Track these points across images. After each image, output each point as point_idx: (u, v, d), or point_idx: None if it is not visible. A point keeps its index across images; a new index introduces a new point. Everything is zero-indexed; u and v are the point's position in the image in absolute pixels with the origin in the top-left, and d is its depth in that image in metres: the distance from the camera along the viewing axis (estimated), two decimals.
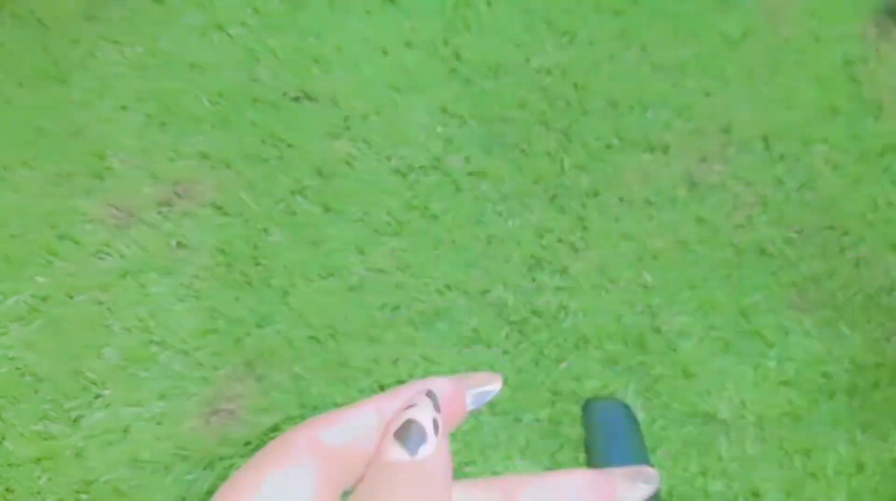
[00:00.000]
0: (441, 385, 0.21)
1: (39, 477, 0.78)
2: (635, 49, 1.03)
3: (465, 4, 1.05)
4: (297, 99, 0.99)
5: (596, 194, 0.94)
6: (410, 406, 0.19)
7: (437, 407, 0.19)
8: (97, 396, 0.82)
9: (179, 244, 0.90)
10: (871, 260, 0.91)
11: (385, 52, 1.02)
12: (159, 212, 0.91)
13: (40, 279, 0.87)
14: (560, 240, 0.91)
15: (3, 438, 0.80)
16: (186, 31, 1.03)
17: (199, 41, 1.02)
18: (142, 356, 0.84)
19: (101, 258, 0.89)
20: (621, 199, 0.94)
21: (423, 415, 0.18)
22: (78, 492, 0.78)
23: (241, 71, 1.00)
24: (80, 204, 0.91)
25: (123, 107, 0.98)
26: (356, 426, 0.19)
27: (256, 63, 1.01)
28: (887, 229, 0.93)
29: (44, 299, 0.86)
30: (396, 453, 0.18)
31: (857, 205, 0.94)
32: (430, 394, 0.19)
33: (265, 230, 0.91)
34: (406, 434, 0.18)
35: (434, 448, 0.18)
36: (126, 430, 0.80)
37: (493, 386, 0.21)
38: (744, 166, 0.96)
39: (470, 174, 0.95)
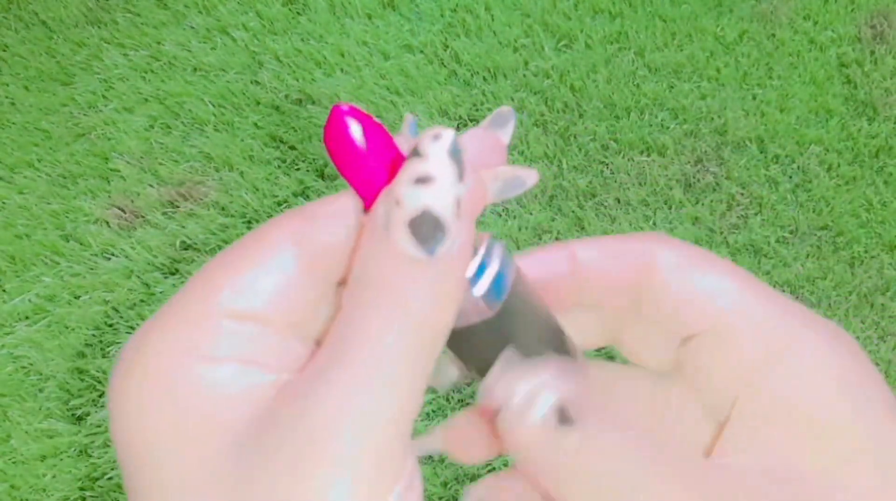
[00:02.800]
0: (463, 142, 0.14)
1: (44, 475, 0.79)
2: (631, 52, 1.04)
3: (465, 9, 1.07)
4: (299, 101, 1.00)
5: (593, 195, 0.95)
6: (424, 178, 0.13)
7: (461, 173, 0.13)
8: (101, 394, 0.83)
9: (184, 245, 0.91)
10: (866, 260, 0.92)
11: (385, 56, 1.03)
12: (164, 213, 0.92)
13: (46, 279, 0.88)
14: (558, 241, 0.92)
15: (9, 436, 0.80)
16: (190, 34, 1.04)
17: (202, 44, 1.03)
18: None
19: (106, 258, 0.90)
20: (618, 201, 0.95)
21: (442, 197, 0.13)
22: (82, 489, 0.78)
23: (243, 74, 1.01)
24: (85, 205, 0.92)
25: (128, 110, 0.99)
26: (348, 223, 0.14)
27: (259, 66, 1.02)
28: (881, 229, 0.94)
29: (49, 299, 0.87)
30: (407, 245, 0.13)
31: (852, 206, 0.95)
32: (453, 153, 0.13)
33: None
34: (421, 226, 0.13)
35: (455, 243, 0.13)
36: None
37: (527, 175, 0.15)
38: (738, 167, 0.97)
39: None
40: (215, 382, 0.14)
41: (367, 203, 0.14)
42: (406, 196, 0.13)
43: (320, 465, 0.13)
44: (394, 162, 0.14)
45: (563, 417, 0.14)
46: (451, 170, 0.13)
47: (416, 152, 0.13)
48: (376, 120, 0.14)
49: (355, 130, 0.13)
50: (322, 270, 0.15)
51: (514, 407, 0.14)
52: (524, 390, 0.14)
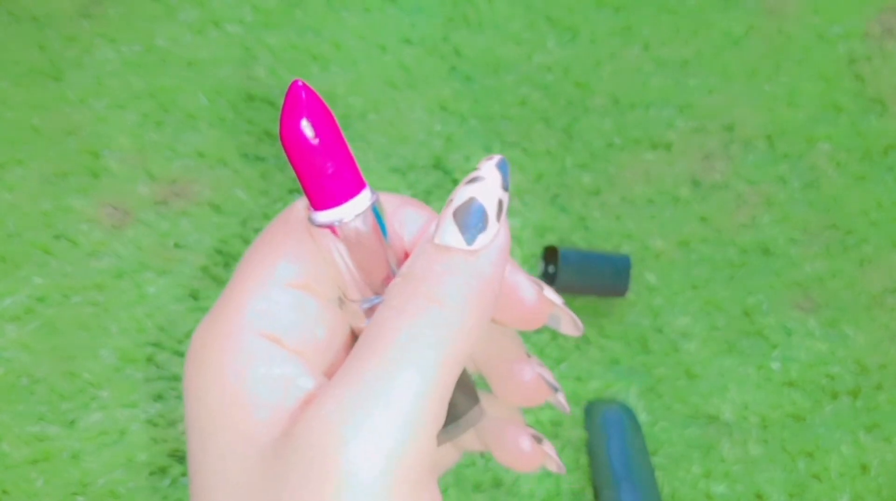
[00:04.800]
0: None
1: (35, 480, 0.78)
2: (637, 47, 1.02)
3: (465, 1, 1.05)
4: None
5: (597, 193, 0.93)
6: (474, 179, 0.15)
7: (505, 185, 0.16)
8: (93, 398, 0.81)
9: (176, 244, 0.89)
10: (876, 259, 0.91)
11: (384, 49, 1.01)
12: (156, 212, 0.91)
13: (36, 279, 0.86)
14: (561, 240, 0.90)
15: (0, 440, 0.79)
16: (183, 28, 1.02)
17: (195, 38, 1.01)
18: (138, 357, 0.83)
19: (97, 258, 0.88)
20: (623, 198, 0.93)
21: (488, 193, 0.15)
22: (74, 494, 0.77)
23: (238, 68, 0.99)
24: (75, 203, 0.90)
25: (119, 106, 0.97)
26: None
27: (253, 60, 1.00)
28: (891, 228, 0.92)
29: (40, 300, 0.86)
30: (450, 236, 0.15)
31: (862, 204, 0.93)
32: (500, 167, 0.16)
33: (263, 229, 0.90)
34: (465, 214, 0.15)
35: (494, 237, 0.15)
36: (122, 432, 0.80)
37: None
38: (747, 165, 0.95)
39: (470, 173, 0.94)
40: (255, 391, 0.15)
41: (314, 202, 0.15)
42: (457, 192, 0.15)
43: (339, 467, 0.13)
44: (347, 161, 0.15)
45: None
46: (498, 177, 0.15)
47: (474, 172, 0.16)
48: (331, 114, 0.15)
49: (306, 127, 0.15)
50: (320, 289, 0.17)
51: None
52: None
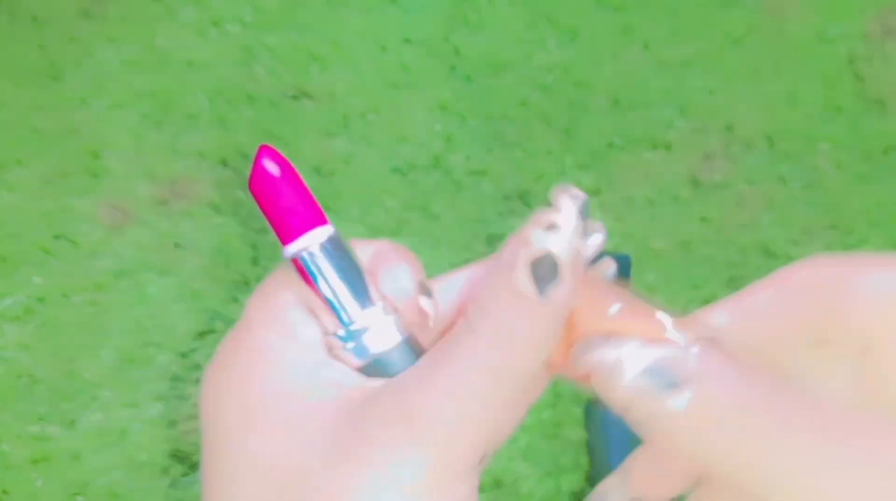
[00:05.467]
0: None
1: (35, 480, 0.78)
2: (638, 47, 1.02)
3: (466, 1, 1.05)
4: (294, 97, 0.98)
5: (598, 193, 0.93)
6: (554, 226, 0.15)
7: (585, 231, 0.15)
8: (94, 398, 0.81)
9: (177, 244, 0.89)
10: None
11: (384, 49, 1.01)
12: (156, 212, 0.91)
13: (36, 279, 0.87)
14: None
15: (0, 440, 0.79)
16: (183, 28, 1.02)
17: (195, 38, 1.01)
18: (139, 357, 0.83)
19: (97, 258, 0.88)
20: (623, 198, 0.93)
21: (567, 246, 0.15)
22: (74, 494, 0.77)
23: (238, 68, 0.99)
24: (75, 203, 0.91)
25: (119, 106, 0.97)
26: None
27: (254, 60, 1.00)
28: (891, 228, 0.93)
29: (40, 300, 0.86)
30: (524, 284, 0.15)
31: (862, 204, 0.94)
32: (582, 212, 0.15)
33: (263, 230, 0.90)
34: (540, 267, 0.15)
35: (566, 291, 0.15)
36: (123, 432, 0.80)
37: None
38: (748, 165, 0.95)
39: (470, 173, 0.94)
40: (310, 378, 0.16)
41: (281, 237, 0.17)
42: (535, 238, 0.15)
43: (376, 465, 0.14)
44: (309, 204, 0.17)
45: (663, 380, 0.15)
46: (578, 226, 0.15)
47: (550, 205, 0.16)
48: (291, 165, 0.18)
49: (272, 168, 0.17)
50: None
51: (602, 372, 0.16)
52: (611, 356, 0.15)
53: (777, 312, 0.17)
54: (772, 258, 0.90)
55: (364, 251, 0.18)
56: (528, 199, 0.93)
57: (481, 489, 0.68)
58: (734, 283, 0.88)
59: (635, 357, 0.15)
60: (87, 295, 0.85)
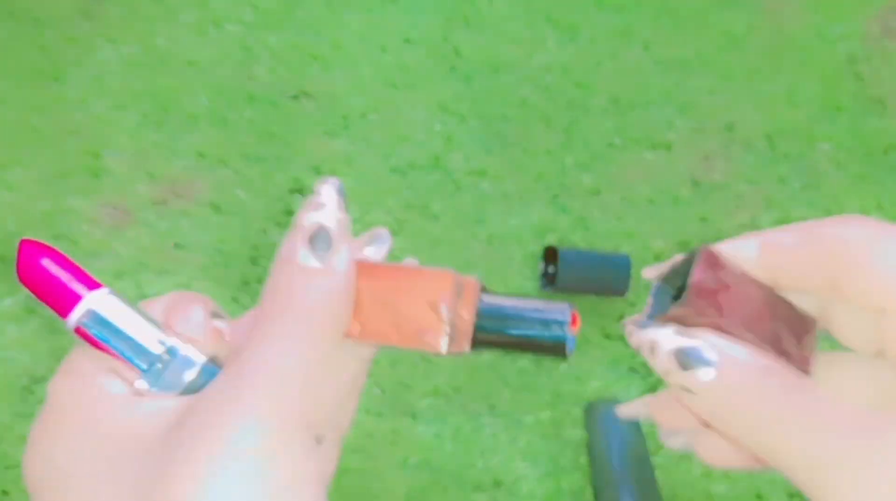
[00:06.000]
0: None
1: None
2: (637, 47, 1.02)
3: (466, 1, 1.05)
4: (294, 97, 0.98)
5: (598, 193, 0.93)
6: (319, 205, 0.18)
7: (343, 205, 0.18)
8: None
9: (176, 244, 0.89)
10: None
11: (384, 49, 1.01)
12: (156, 212, 0.91)
13: None
14: (561, 240, 0.90)
15: (0, 440, 0.79)
16: (183, 28, 1.02)
17: (195, 39, 1.01)
18: None
19: (97, 258, 0.88)
20: (623, 198, 0.93)
21: (331, 217, 0.18)
22: None
23: (238, 68, 0.99)
24: (75, 203, 0.91)
25: (119, 106, 0.97)
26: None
27: (254, 60, 1.00)
28: None
29: None
30: (307, 258, 0.17)
31: (862, 204, 0.93)
32: (339, 191, 0.18)
33: (263, 230, 0.90)
34: (316, 239, 0.17)
35: (342, 257, 0.18)
36: None
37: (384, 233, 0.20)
38: (747, 165, 0.95)
39: (470, 173, 0.94)
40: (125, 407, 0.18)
41: (62, 313, 0.18)
42: (307, 219, 0.18)
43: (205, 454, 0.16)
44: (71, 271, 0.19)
45: (686, 360, 0.17)
46: (339, 201, 0.18)
47: (313, 194, 0.19)
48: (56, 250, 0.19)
49: (32, 258, 0.18)
50: None
51: (645, 351, 0.18)
52: (648, 338, 0.18)
53: (803, 259, 0.18)
54: None
55: (156, 307, 0.20)
56: (528, 199, 0.93)
57: (482, 488, 0.68)
58: None
59: (669, 340, 0.17)
60: None
